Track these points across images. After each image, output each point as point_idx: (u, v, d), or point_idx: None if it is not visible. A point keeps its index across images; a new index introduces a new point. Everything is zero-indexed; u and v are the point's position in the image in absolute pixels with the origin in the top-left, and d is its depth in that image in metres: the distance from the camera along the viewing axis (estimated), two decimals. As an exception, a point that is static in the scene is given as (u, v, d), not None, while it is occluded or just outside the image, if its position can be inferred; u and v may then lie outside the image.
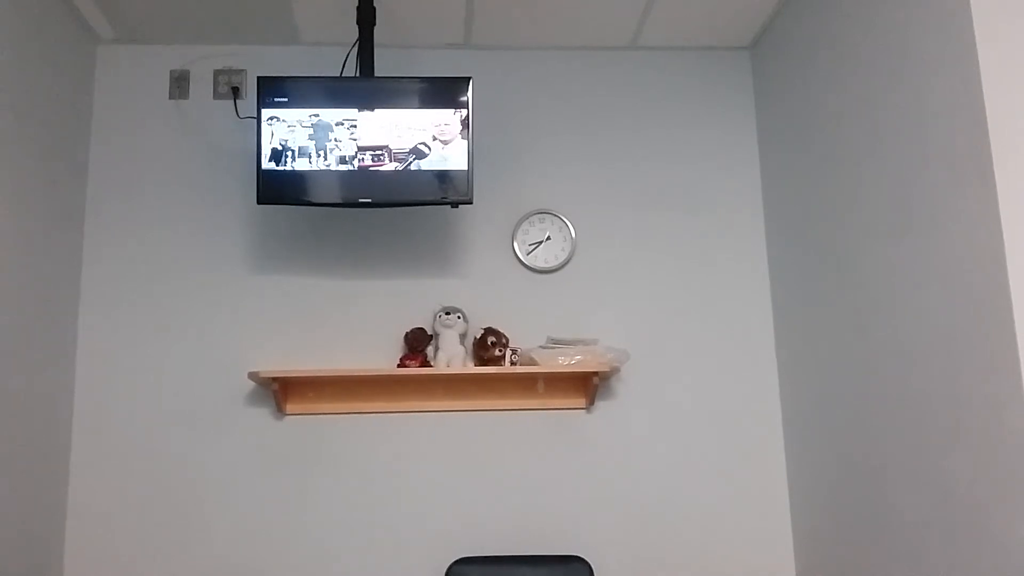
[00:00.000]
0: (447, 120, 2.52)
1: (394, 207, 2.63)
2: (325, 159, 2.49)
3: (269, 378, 2.58)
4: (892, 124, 2.11)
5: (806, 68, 2.60)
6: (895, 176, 2.10)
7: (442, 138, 2.51)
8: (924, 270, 1.97)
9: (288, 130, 2.50)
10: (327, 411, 2.72)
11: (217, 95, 2.88)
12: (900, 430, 2.09)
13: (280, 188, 2.50)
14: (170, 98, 2.88)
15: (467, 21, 2.80)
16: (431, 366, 2.68)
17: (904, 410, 2.07)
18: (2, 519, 2.27)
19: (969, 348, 1.80)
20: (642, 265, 2.88)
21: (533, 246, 2.87)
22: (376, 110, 2.51)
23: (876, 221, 2.19)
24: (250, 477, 2.68)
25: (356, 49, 2.66)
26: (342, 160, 2.49)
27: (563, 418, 2.78)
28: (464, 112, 2.53)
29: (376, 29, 2.71)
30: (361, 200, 2.49)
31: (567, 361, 2.61)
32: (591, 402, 2.76)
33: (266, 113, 2.50)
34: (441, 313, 2.71)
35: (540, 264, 2.85)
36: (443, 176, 2.51)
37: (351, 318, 2.79)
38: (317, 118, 2.50)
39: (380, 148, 2.50)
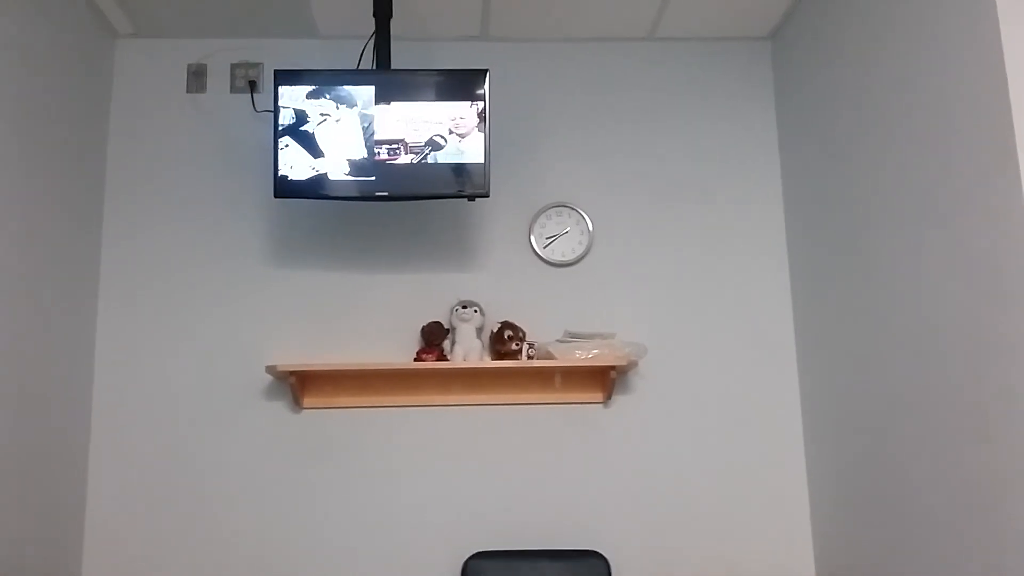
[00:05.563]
0: (463, 113, 2.51)
1: (411, 200, 2.62)
2: (341, 152, 2.49)
3: (286, 371, 2.58)
4: (915, 115, 2.08)
5: (827, 59, 2.57)
6: (917, 167, 2.07)
7: (458, 131, 2.50)
8: (947, 262, 1.94)
9: (305, 123, 2.50)
10: (344, 405, 2.73)
11: (234, 89, 2.88)
12: (922, 425, 2.06)
13: (297, 182, 2.50)
14: (187, 92, 2.88)
15: (484, 13, 2.79)
16: (448, 360, 2.68)
17: (926, 405, 2.04)
18: (21, 514, 2.28)
19: (993, 342, 1.77)
20: (660, 259, 2.86)
21: (550, 239, 2.85)
22: (392, 103, 2.50)
23: (898, 213, 2.16)
24: (267, 470, 2.69)
25: (372, 42, 2.66)
26: (358, 153, 2.49)
27: (580, 412, 2.77)
28: (481, 105, 2.51)
29: (393, 22, 2.70)
30: (378, 193, 2.49)
31: (584, 355, 2.60)
32: (608, 396, 2.75)
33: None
34: (458, 307, 2.70)
35: (557, 258, 2.84)
36: (459, 169, 2.50)
37: (368, 312, 2.79)
38: (333, 111, 2.50)
39: (396, 141, 2.49)
